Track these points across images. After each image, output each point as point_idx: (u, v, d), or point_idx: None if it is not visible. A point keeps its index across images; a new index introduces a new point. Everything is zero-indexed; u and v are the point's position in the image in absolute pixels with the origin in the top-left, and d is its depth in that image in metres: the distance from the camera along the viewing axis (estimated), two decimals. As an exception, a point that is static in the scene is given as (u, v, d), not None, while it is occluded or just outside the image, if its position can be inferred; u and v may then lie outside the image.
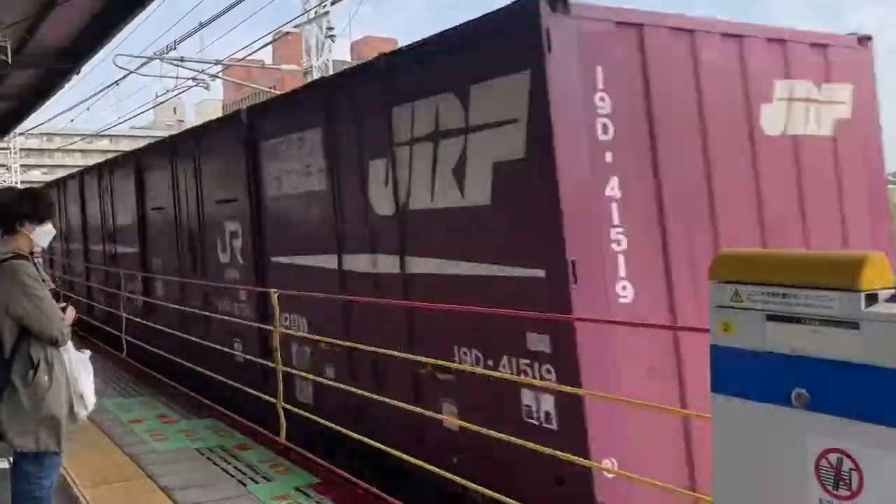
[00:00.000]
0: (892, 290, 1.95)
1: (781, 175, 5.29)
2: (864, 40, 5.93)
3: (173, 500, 5.43)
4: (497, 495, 4.35)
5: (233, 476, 5.90)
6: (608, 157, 4.53)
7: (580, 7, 4.55)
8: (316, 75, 19.84)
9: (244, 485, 5.69)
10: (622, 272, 4.50)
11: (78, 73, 13.15)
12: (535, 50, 4.42)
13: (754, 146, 5.18)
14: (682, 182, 4.82)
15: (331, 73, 20.39)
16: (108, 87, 24.53)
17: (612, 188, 4.53)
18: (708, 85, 4.99)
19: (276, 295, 6.53)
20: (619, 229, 4.52)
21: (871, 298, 1.92)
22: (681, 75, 4.91)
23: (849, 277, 1.94)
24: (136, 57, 20.60)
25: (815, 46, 5.61)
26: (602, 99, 4.54)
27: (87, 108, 47.53)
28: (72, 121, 35.33)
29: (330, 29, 19.96)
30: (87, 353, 4.41)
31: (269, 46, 24.05)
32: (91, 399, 4.27)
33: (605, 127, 4.53)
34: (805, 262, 2.08)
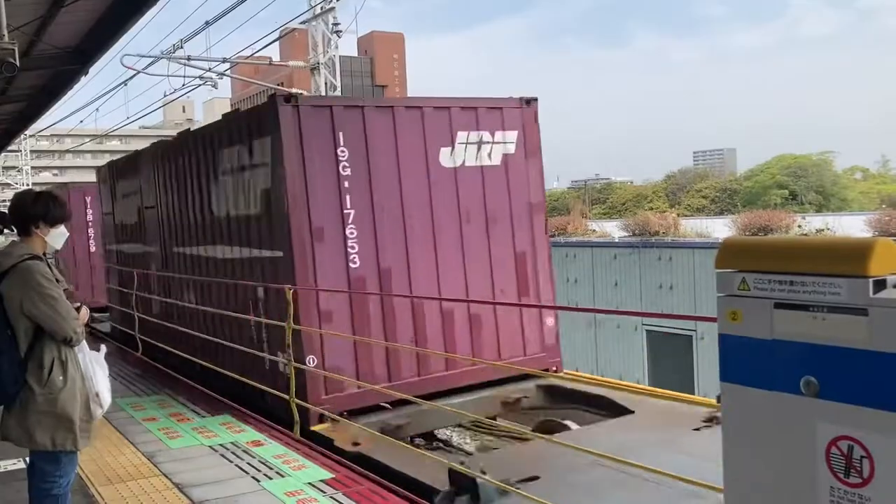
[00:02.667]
0: None
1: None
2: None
3: (187, 497, 5.47)
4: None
5: (246, 472, 5.93)
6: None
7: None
8: (323, 72, 19.85)
9: (258, 481, 5.73)
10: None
11: (86, 75, 13.17)
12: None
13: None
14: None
15: (338, 69, 20.39)
16: (117, 87, 24.59)
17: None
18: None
19: (290, 291, 6.91)
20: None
21: (880, 284, 1.91)
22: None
23: (856, 263, 1.92)
24: (144, 56, 20.62)
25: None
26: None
27: (97, 109, 47.47)
28: (81, 122, 35.44)
29: (336, 24, 19.95)
30: (104, 350, 4.45)
31: (277, 43, 24.04)
32: (107, 397, 4.31)
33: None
34: (812, 249, 2.06)
